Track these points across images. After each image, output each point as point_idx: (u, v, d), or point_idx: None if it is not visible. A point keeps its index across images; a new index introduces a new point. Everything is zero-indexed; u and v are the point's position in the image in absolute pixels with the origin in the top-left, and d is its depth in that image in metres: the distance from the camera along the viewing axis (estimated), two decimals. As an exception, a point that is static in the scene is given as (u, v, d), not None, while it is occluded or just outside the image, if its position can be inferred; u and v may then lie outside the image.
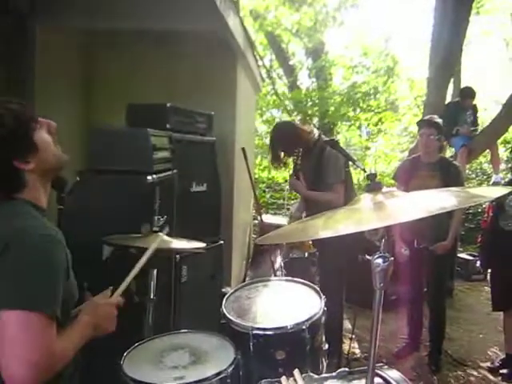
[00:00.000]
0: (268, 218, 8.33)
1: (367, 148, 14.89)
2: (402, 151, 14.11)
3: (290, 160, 4.56)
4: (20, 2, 4.01)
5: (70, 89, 4.89)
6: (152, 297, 2.62)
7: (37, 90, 4.23)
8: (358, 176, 11.53)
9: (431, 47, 8.35)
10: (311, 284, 2.60)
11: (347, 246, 4.07)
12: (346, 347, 4.99)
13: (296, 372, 1.78)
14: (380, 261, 1.50)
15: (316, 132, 4.51)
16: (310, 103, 13.98)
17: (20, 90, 4.15)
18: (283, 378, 1.78)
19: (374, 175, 1.55)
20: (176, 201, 3.83)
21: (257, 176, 12.28)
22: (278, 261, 7.03)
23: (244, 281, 6.18)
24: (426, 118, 5.08)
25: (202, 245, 2.76)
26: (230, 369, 2.09)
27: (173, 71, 5.03)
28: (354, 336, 5.22)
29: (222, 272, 4.64)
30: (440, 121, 4.78)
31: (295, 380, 1.77)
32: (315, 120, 14.60)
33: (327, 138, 4.36)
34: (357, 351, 5.05)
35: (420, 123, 4.95)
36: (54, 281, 1.59)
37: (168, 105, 3.92)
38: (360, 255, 6.44)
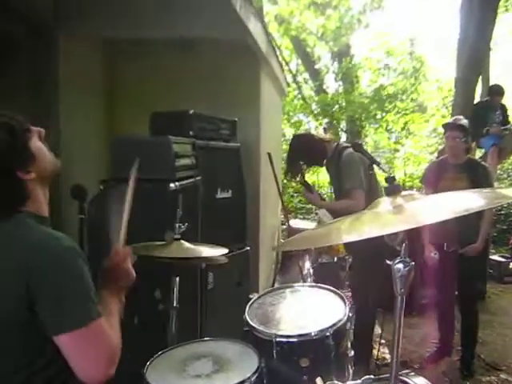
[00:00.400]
0: (296, 223, 8.29)
1: (396, 150, 14.72)
2: (431, 153, 13.93)
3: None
4: (43, 12, 4.06)
5: (93, 98, 4.91)
6: (175, 304, 2.59)
7: (60, 98, 4.28)
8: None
9: (458, 47, 8.27)
10: (336, 290, 2.56)
11: (379, 250, 4.06)
12: (376, 352, 4.95)
13: (319, 380, 1.74)
14: (400, 266, 1.46)
15: (343, 138, 4.47)
16: (336, 106, 13.90)
17: (43, 98, 4.21)
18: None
19: (393, 178, 1.52)
20: (201, 208, 3.83)
21: (285, 181, 12.24)
22: (307, 266, 6.98)
23: (273, 286, 6.14)
24: (451, 120, 5.00)
25: (224, 251, 2.72)
26: (254, 377, 2.06)
27: (196, 78, 5.03)
28: (383, 341, 5.17)
29: (249, 279, 4.61)
30: (465, 122, 4.70)
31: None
32: (343, 124, 14.53)
33: (346, 144, 4.33)
34: (387, 356, 4.97)
35: (445, 126, 4.87)
36: (89, 287, 1.64)
37: (191, 112, 3.92)
38: (389, 259, 6.38)
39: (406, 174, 13.37)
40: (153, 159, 3.21)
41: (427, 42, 22.98)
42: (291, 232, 7.15)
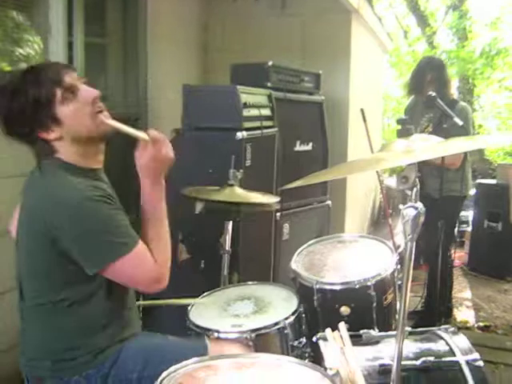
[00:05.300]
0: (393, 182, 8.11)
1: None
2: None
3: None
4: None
5: (186, 51, 5.00)
6: (227, 248, 2.67)
7: (149, 51, 4.39)
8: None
9: None
10: (386, 242, 2.53)
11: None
12: (460, 314, 4.83)
13: (341, 325, 1.76)
14: (410, 211, 1.44)
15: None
16: (448, 63, 13.19)
17: (132, 50, 4.33)
18: (328, 330, 1.77)
19: (404, 120, 1.49)
20: (278, 159, 3.86)
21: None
22: (400, 226, 6.85)
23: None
24: None
25: (275, 199, 2.74)
26: (289, 320, 2.10)
27: (286, 32, 5.05)
28: (470, 304, 5.05)
29: (329, 233, 4.60)
30: None
31: (341, 334, 1.74)
32: (455, 81, 13.85)
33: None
34: (470, 320, 4.81)
35: None
36: (114, 227, 1.75)
37: (269, 63, 3.92)
38: (486, 221, 6.12)
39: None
40: (220, 108, 3.28)
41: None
42: (388, 192, 7.08)
